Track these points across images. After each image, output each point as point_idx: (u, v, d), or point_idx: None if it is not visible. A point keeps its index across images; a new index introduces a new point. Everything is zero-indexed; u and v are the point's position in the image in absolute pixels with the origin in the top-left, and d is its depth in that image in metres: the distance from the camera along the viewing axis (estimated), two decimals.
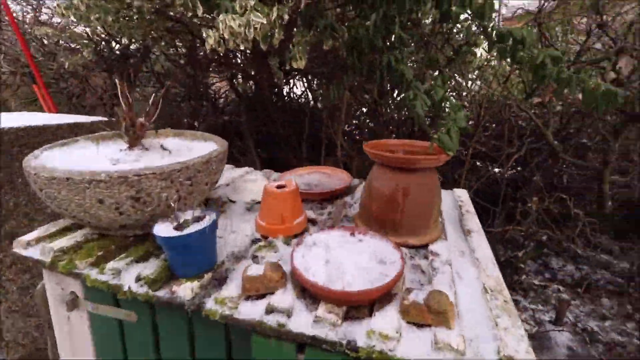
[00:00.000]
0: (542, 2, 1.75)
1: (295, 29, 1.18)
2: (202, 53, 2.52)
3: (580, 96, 0.85)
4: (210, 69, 2.47)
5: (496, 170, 2.42)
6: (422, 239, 0.79)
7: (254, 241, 0.81)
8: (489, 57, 2.04)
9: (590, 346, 1.77)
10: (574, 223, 1.88)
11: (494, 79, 2.46)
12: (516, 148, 2.04)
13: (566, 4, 2.11)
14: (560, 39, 2.26)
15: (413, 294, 0.57)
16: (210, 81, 2.96)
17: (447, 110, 0.95)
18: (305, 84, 2.44)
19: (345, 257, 0.66)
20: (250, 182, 1.09)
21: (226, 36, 0.96)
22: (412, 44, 1.33)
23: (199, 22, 1.94)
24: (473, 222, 0.93)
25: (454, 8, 0.98)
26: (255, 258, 0.73)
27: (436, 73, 1.50)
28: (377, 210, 0.80)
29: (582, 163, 1.91)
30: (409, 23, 1.43)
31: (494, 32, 0.91)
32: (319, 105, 2.36)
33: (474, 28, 1.14)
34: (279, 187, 0.83)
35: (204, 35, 1.02)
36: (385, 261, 0.65)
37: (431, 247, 0.78)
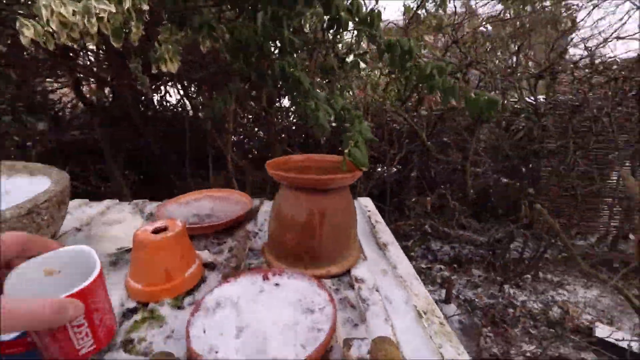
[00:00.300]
0: (407, 20, 1.95)
1: (162, 25, 0.95)
2: (30, 51, 1.93)
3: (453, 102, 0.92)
4: (44, 73, 1.90)
5: (379, 169, 2.62)
6: (343, 264, 0.71)
7: (126, 314, 0.58)
8: (367, 67, 2.17)
9: (472, 314, 2.06)
10: (451, 211, 2.17)
11: (369, 86, 2.66)
12: (397, 149, 2.22)
13: (420, 23, 2.43)
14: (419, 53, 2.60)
15: (355, 348, 0.47)
16: (48, 87, 2.31)
17: (347, 120, 0.90)
18: (181, 91, 2.13)
19: (263, 316, 0.51)
20: (115, 224, 0.82)
21: (54, 27, 0.68)
22: (305, 50, 1.26)
23: (20, 11, 1.45)
24: (386, 233, 0.91)
25: (342, 14, 0.94)
26: (129, 345, 0.51)
27: (325, 81, 1.48)
28: (292, 241, 0.68)
29: (448, 159, 2.23)
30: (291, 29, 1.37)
31: (382, 41, 0.90)
32: (200, 115, 2.10)
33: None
34: (156, 231, 0.62)
35: (17, 25, 0.71)
36: (313, 308, 0.54)
37: (354, 272, 0.71)
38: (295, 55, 1.07)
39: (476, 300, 2.22)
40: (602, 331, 1.86)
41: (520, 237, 2.35)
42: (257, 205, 1.06)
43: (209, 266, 0.73)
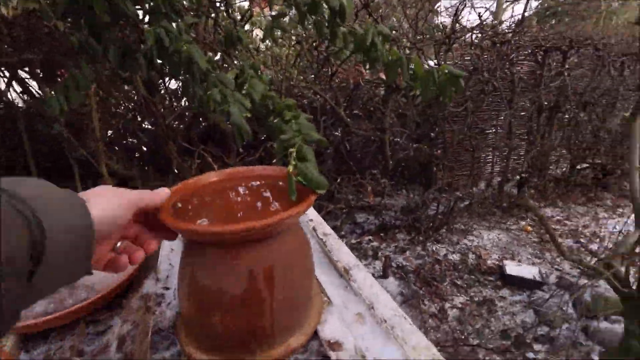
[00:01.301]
0: None
1: None
2: None
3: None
4: None
5: None
6: (307, 329, 0.49)
7: None
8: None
9: (407, 281, 2.12)
10: (378, 183, 2.12)
11: (271, 60, 2.36)
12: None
13: None
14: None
15: None
16: None
17: (272, 113, 0.64)
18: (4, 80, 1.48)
19: None
20: None
21: None
22: (192, 13, 0.90)
23: None
24: (343, 251, 0.72)
25: None
26: None
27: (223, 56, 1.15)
28: (225, 324, 0.43)
29: (367, 133, 2.15)
30: None
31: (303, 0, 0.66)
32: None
33: None
34: None
35: None
36: None
37: (322, 334, 0.50)
38: (180, 20, 0.74)
39: (407, 264, 2.30)
40: (510, 268, 2.11)
41: (435, 197, 2.49)
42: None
43: None
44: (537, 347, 1.68)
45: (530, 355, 1.64)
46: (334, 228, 2.55)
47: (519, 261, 2.30)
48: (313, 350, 0.48)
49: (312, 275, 0.51)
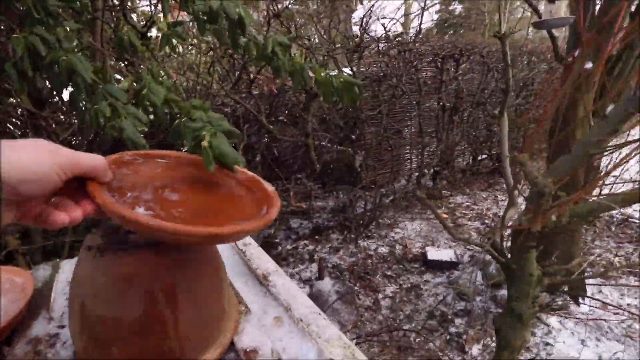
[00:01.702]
0: None
1: None
2: None
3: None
4: None
5: None
6: (223, 339, 0.48)
7: None
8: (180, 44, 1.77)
9: (342, 279, 2.19)
10: (305, 187, 2.16)
11: (185, 67, 2.26)
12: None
13: None
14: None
15: None
16: None
17: (177, 117, 0.62)
18: None
19: None
20: None
21: None
22: (81, 17, 0.81)
23: None
24: (262, 259, 0.72)
25: None
26: None
27: (124, 64, 1.07)
28: (128, 355, 0.40)
29: (291, 138, 2.18)
30: None
31: (200, 7, 0.65)
32: None
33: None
34: None
35: None
36: None
37: (240, 343, 0.50)
38: (57, 28, 0.67)
39: (341, 263, 2.39)
40: (431, 253, 2.33)
41: (361, 196, 2.63)
42: (46, 280, 0.66)
43: None
44: (457, 321, 1.88)
45: (453, 329, 1.83)
46: (268, 235, 2.53)
47: (438, 246, 2.56)
48: None
49: (224, 287, 0.50)
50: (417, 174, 3.51)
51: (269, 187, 0.45)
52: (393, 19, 2.70)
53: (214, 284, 0.48)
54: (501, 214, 3.03)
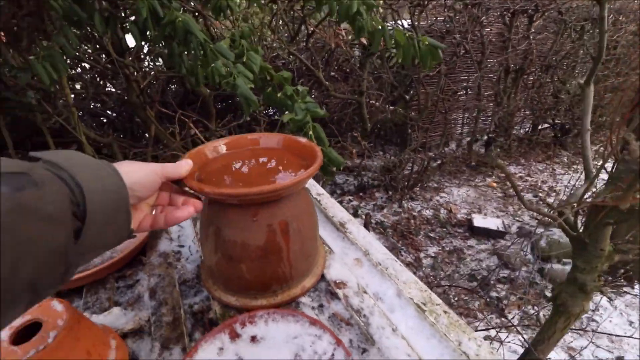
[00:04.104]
0: None
1: None
2: None
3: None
4: None
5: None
6: (316, 272, 0.58)
7: None
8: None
9: (386, 235, 2.28)
10: (358, 145, 2.20)
11: (242, 21, 2.26)
12: None
13: None
14: None
15: None
16: None
17: (270, 85, 0.68)
18: None
19: None
20: None
21: None
22: None
23: None
24: (336, 207, 0.80)
25: None
26: None
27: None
28: (251, 272, 0.50)
29: (345, 95, 2.17)
30: None
31: None
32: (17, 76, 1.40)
33: None
34: (21, 335, 0.37)
35: None
36: None
37: (329, 276, 0.59)
38: None
39: (385, 220, 2.47)
40: (477, 221, 2.33)
41: (410, 157, 2.61)
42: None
43: (134, 335, 0.49)
44: (499, 287, 1.92)
45: (494, 294, 1.89)
46: None
47: (485, 214, 2.53)
48: (322, 289, 0.57)
49: (317, 228, 0.59)
50: (468, 139, 3.38)
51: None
52: None
53: (312, 224, 0.56)
54: (558, 188, 2.88)
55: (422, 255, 2.14)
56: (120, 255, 0.58)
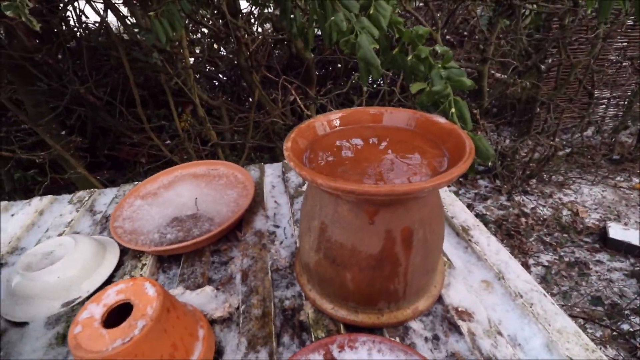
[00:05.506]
0: None
1: None
2: None
3: None
4: None
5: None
6: (434, 290, 0.46)
7: None
8: None
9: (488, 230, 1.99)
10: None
11: None
12: None
13: None
14: None
15: None
16: None
17: (402, 47, 0.54)
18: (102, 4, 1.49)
19: None
20: (51, 259, 0.50)
21: None
22: None
23: None
24: (457, 206, 0.64)
25: None
26: None
27: None
28: (358, 283, 0.40)
29: (461, 63, 1.85)
30: None
31: None
32: (141, 38, 1.52)
33: None
34: (110, 316, 0.34)
35: None
36: None
37: (448, 299, 0.46)
38: None
39: (487, 213, 2.15)
40: (614, 231, 1.85)
41: (535, 141, 2.17)
42: (257, 181, 0.75)
43: (222, 322, 0.46)
44: (635, 320, 1.52)
45: (625, 326, 1.50)
46: None
47: (625, 224, 2.00)
48: (438, 314, 0.45)
49: (443, 236, 0.45)
50: (613, 124, 2.67)
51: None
52: None
53: (440, 233, 0.43)
54: None
55: (531, 262, 1.81)
56: (218, 230, 0.55)
